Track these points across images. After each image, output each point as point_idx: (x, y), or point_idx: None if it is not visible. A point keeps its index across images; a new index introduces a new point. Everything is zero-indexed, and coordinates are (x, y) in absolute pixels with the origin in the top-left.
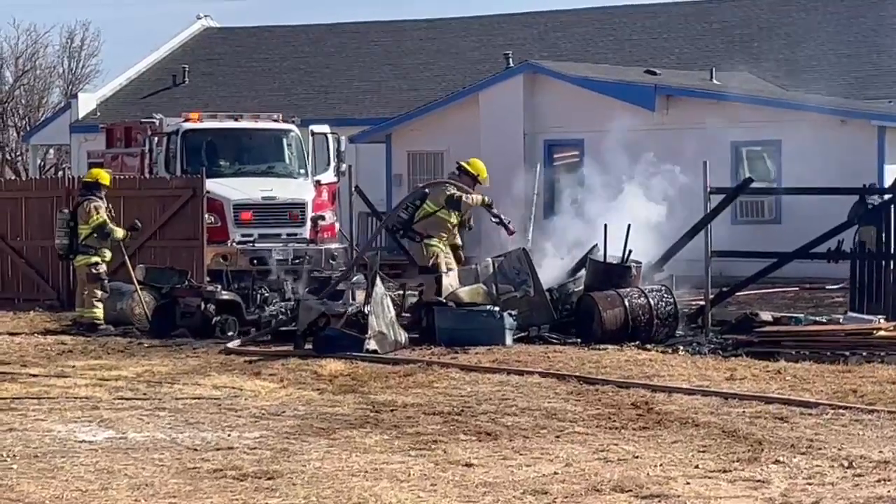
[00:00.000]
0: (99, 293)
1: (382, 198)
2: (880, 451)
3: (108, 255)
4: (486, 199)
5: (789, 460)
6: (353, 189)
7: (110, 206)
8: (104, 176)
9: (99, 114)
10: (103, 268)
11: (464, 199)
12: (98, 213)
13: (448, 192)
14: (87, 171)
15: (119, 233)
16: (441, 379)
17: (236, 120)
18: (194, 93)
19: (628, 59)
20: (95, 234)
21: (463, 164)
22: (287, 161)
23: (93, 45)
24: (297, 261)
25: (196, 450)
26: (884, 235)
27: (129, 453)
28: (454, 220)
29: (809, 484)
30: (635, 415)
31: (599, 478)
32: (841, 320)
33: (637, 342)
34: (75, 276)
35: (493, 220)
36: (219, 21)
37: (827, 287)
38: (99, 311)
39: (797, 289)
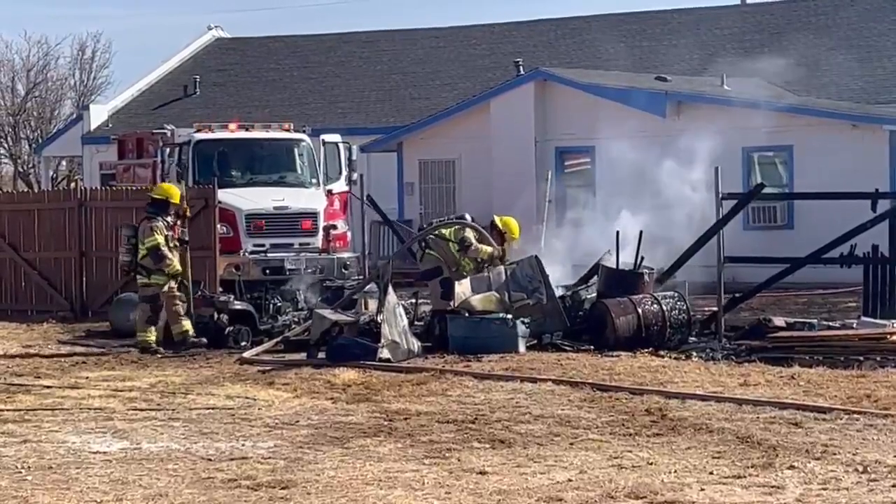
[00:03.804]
0: (147, 313)
1: (394, 206)
2: (895, 456)
3: (161, 280)
4: (497, 252)
5: (804, 466)
6: (364, 198)
7: (179, 223)
8: (174, 193)
9: (111, 125)
10: (151, 291)
11: (472, 247)
12: (154, 234)
13: (465, 235)
14: (157, 185)
15: (174, 265)
16: (454, 387)
17: (248, 130)
18: (205, 103)
19: (639, 65)
20: (149, 257)
21: (496, 218)
22: (298, 171)
23: (104, 56)
24: (309, 270)
25: (210, 460)
26: None
27: (144, 464)
28: (465, 263)
29: (824, 489)
30: (649, 421)
31: (614, 485)
32: (854, 325)
33: (650, 349)
34: (88, 287)
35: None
36: (229, 31)
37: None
38: (150, 335)
39: (835, 291)
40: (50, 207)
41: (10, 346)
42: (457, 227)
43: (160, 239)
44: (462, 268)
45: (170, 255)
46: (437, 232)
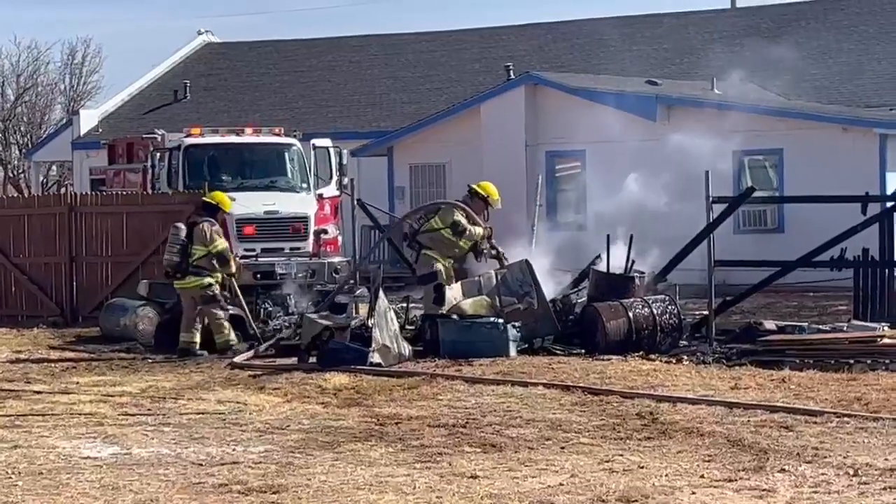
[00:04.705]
0: (220, 314)
1: (385, 211)
2: (885, 459)
3: (219, 276)
4: (487, 232)
5: (795, 469)
6: (355, 202)
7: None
8: (226, 202)
9: (101, 130)
10: (218, 288)
11: (468, 231)
12: (218, 238)
13: (455, 219)
14: (209, 192)
15: (234, 266)
16: (445, 391)
17: (238, 134)
18: (196, 108)
19: (629, 69)
20: (214, 260)
21: (474, 186)
22: (289, 175)
23: (94, 61)
24: (299, 275)
25: (201, 465)
26: (886, 243)
27: (134, 469)
28: (463, 244)
29: (815, 492)
30: (640, 425)
31: (605, 488)
32: (845, 328)
33: (641, 352)
34: (79, 292)
35: (491, 251)
36: (220, 36)
37: None
38: (230, 333)
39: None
40: (40, 212)
41: (0, 351)
42: (441, 211)
43: (226, 243)
44: (461, 250)
45: (233, 259)
46: (426, 227)
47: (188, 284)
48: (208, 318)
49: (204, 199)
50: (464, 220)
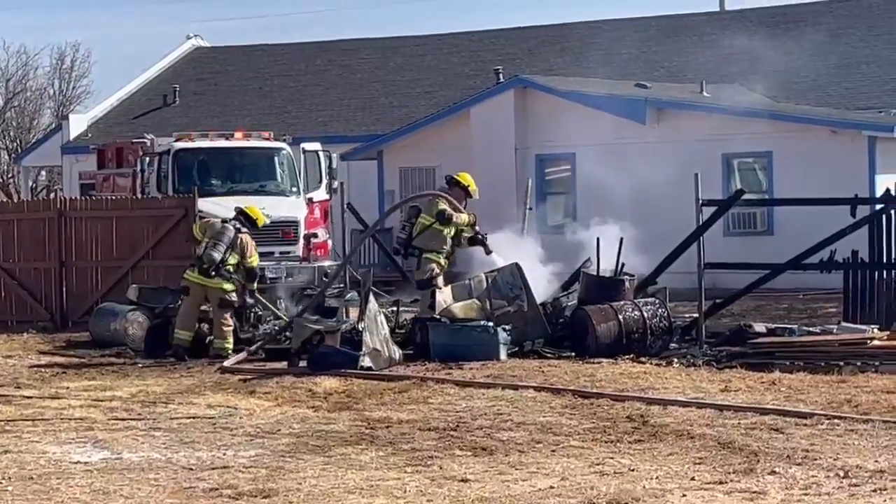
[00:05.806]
0: (231, 322)
1: (375, 214)
2: (876, 461)
3: (238, 286)
4: (472, 217)
5: (785, 471)
6: (345, 206)
7: None
8: (262, 219)
9: (90, 135)
10: (235, 297)
11: (454, 218)
12: (256, 253)
13: (440, 208)
14: (248, 205)
15: (254, 285)
16: (436, 395)
17: (228, 139)
18: (185, 112)
19: (619, 72)
20: (240, 269)
21: (454, 176)
22: (279, 179)
23: (83, 66)
24: (289, 278)
25: (191, 469)
26: (875, 245)
27: (125, 474)
28: (448, 232)
29: (806, 494)
30: (631, 428)
31: (595, 491)
32: (834, 330)
33: (631, 355)
34: (68, 297)
35: (476, 237)
36: (209, 40)
37: None
38: (230, 343)
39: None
40: (29, 217)
41: None
42: (424, 207)
43: (258, 260)
44: (447, 235)
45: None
46: (417, 230)
47: (212, 283)
48: (217, 322)
49: (244, 210)
50: (448, 208)
